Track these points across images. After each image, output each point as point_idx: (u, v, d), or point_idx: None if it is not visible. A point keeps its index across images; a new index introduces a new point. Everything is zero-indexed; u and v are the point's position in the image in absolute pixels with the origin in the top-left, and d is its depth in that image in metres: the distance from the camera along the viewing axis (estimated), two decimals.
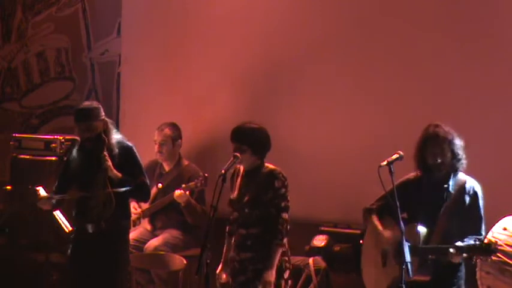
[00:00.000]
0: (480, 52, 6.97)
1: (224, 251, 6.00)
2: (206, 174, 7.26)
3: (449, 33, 7.08)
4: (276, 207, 5.78)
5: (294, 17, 7.72)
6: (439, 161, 5.66)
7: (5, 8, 9.20)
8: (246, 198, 5.83)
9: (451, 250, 5.41)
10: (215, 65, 8.02)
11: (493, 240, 5.67)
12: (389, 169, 5.44)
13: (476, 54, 6.99)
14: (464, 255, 5.44)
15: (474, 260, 5.56)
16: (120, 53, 8.67)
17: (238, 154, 5.76)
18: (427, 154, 5.70)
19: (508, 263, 5.72)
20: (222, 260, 5.97)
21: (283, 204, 5.79)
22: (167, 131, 7.58)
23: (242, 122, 5.94)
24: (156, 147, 7.58)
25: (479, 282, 5.84)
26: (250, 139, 5.83)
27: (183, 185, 7.29)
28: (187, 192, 7.28)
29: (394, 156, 5.53)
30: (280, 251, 5.79)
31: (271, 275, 5.76)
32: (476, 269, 5.85)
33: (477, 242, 5.42)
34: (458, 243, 5.43)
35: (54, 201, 6.22)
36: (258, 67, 7.85)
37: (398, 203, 5.41)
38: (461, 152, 5.71)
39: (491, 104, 6.95)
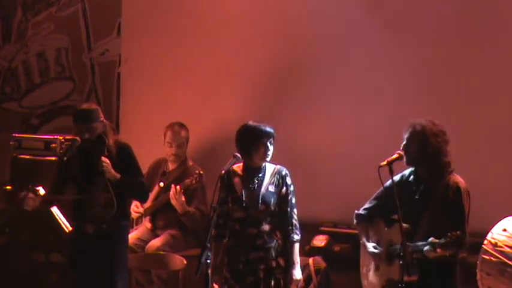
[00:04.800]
0: (483, 58, 7.01)
1: (212, 257, 5.70)
2: (201, 172, 7.25)
3: (454, 37, 7.12)
4: (289, 204, 5.82)
5: (295, 17, 7.72)
6: (419, 148, 5.50)
7: (5, 8, 9.20)
8: (259, 196, 5.78)
9: (425, 248, 5.31)
10: (216, 64, 8.01)
11: (493, 241, 5.66)
12: (390, 169, 5.43)
13: (479, 59, 7.02)
14: (438, 250, 5.28)
15: (450, 255, 5.41)
16: (120, 53, 8.67)
17: (238, 154, 5.76)
18: (411, 143, 5.56)
19: (508, 264, 5.71)
20: (211, 267, 5.66)
21: (294, 200, 5.84)
22: (183, 133, 7.54)
23: (248, 122, 5.91)
24: (173, 149, 7.52)
25: (479, 283, 5.82)
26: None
27: (173, 185, 7.26)
28: (183, 198, 7.24)
29: (394, 156, 5.50)
30: (298, 246, 5.80)
31: (299, 272, 5.77)
32: (477, 270, 5.84)
33: (448, 237, 5.24)
34: (432, 239, 5.30)
35: (40, 201, 6.21)
36: (258, 68, 7.85)
37: (390, 203, 5.38)
38: (447, 148, 5.56)
39: (491, 105, 6.96)
